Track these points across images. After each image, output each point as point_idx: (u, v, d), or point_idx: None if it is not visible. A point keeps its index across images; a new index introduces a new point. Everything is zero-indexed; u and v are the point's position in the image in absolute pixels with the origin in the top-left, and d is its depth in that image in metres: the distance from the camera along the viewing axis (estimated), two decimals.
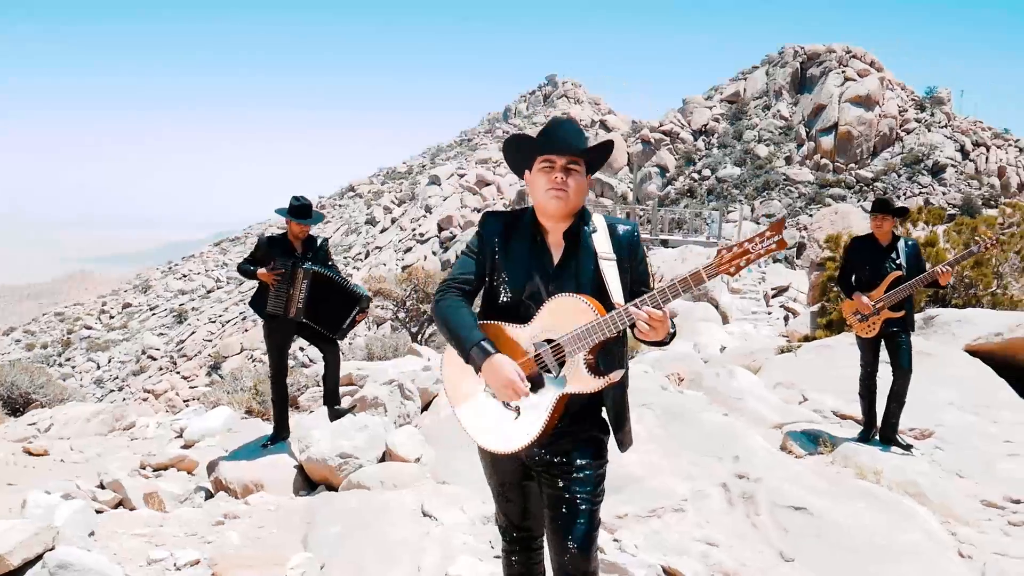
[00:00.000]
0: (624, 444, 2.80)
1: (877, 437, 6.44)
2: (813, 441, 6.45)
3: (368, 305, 6.80)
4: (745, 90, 61.93)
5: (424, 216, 63.92)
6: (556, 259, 2.69)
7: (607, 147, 2.74)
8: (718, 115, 60.97)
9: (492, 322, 2.68)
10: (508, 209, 2.87)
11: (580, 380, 2.56)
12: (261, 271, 6.38)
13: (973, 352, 8.78)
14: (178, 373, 52.26)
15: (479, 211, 64.12)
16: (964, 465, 6.25)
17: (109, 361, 56.11)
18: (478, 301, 2.84)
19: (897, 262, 6.20)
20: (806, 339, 13.20)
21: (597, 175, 57.74)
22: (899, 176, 50.29)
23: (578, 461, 2.66)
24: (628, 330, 2.59)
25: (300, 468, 5.90)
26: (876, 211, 6.23)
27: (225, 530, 4.73)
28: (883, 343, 6.33)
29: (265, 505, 5.27)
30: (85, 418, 10.25)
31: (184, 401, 45.34)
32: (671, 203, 52.05)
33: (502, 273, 2.73)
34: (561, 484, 2.65)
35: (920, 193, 48.25)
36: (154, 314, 64.26)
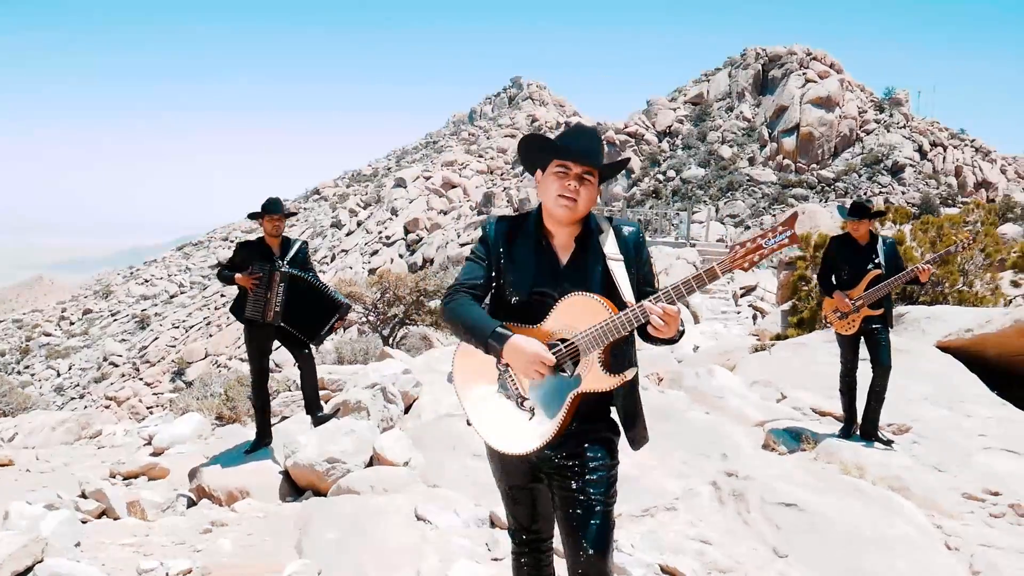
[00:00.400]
0: (637, 442, 2.80)
1: (858, 433, 6.53)
2: (795, 438, 6.52)
3: (348, 312, 6.76)
4: (708, 92, 62.53)
5: (390, 219, 63.66)
6: (563, 261, 2.69)
7: (622, 165, 2.76)
8: (682, 116, 61.48)
9: (507, 323, 2.67)
10: (512, 213, 2.86)
11: (595, 379, 2.56)
12: (239, 276, 6.32)
13: (944, 348, 8.95)
14: (141, 380, 51.49)
15: (445, 213, 64.02)
16: (942, 459, 6.35)
17: (69, 368, 55.09)
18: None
19: (876, 261, 6.30)
20: (778, 337, 13.36)
21: None
22: (860, 176, 51.09)
23: (591, 462, 2.65)
24: (635, 330, 2.60)
25: (285, 474, 5.84)
26: (855, 216, 6.31)
27: (214, 538, 4.66)
28: (863, 340, 6.43)
29: (253, 512, 5.21)
30: (51, 427, 10.05)
31: (148, 408, 44.71)
32: (636, 204, 52.44)
33: (509, 276, 2.73)
34: (574, 486, 2.64)
35: (880, 193, 49.08)
36: (116, 320, 63.20)
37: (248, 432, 8.08)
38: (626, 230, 2.76)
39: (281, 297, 6.29)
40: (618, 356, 2.65)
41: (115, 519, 5.18)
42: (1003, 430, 6.96)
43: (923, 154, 52.28)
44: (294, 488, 5.74)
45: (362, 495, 4.96)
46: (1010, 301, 12.75)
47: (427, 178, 67.43)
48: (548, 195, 2.64)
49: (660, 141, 60.07)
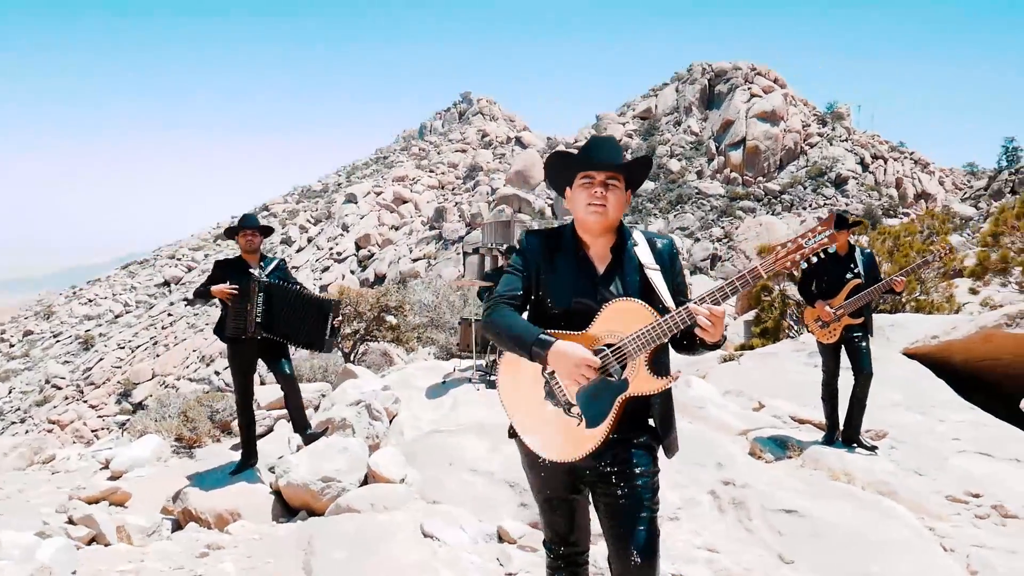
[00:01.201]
0: (671, 450, 2.83)
1: (840, 440, 6.66)
2: (781, 446, 6.63)
3: (337, 309, 6.60)
4: (656, 106, 63.50)
5: (341, 235, 63.19)
6: (600, 270, 2.74)
7: (644, 162, 2.80)
8: (631, 131, 62.32)
9: (550, 331, 2.69)
10: (547, 228, 2.89)
11: (643, 382, 2.59)
12: (216, 288, 6.15)
13: (911, 355, 9.18)
14: (85, 402, 50.10)
15: (397, 229, 63.75)
16: (920, 463, 6.51)
17: (10, 392, 53.37)
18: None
19: (855, 270, 6.45)
20: (742, 347, 13.56)
21: (515, 191, 58.20)
22: (805, 188, 52.29)
23: (635, 468, 2.68)
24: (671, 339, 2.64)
25: (276, 494, 5.74)
26: (835, 228, 6.47)
27: (214, 562, 4.56)
28: (844, 348, 6.57)
29: (248, 534, 5.11)
30: (2, 452, 9.73)
31: (93, 431, 43.49)
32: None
33: (548, 287, 2.76)
34: (619, 493, 2.65)
35: (825, 204, 50.29)
36: (58, 341, 61.46)
37: (227, 452, 7.94)
38: (659, 242, 2.82)
39: (261, 308, 6.18)
40: (660, 361, 2.70)
41: (106, 545, 5.03)
42: (975, 433, 7.16)
43: (865, 166, 53.75)
44: (286, 508, 5.64)
45: (363, 513, 4.89)
46: (959, 308, 13.18)
47: (378, 193, 67.15)
48: (578, 206, 2.72)
49: None
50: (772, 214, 48.94)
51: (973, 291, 12.40)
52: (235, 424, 10.18)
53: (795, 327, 13.56)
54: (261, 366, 6.66)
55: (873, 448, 6.53)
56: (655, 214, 52.83)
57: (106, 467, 7.82)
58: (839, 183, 52.09)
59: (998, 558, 4.62)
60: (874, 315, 11.56)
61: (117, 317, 63.55)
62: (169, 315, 60.49)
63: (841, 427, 6.69)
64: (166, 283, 67.06)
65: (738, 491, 5.08)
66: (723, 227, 49.56)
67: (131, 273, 73.96)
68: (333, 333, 6.41)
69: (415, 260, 57.85)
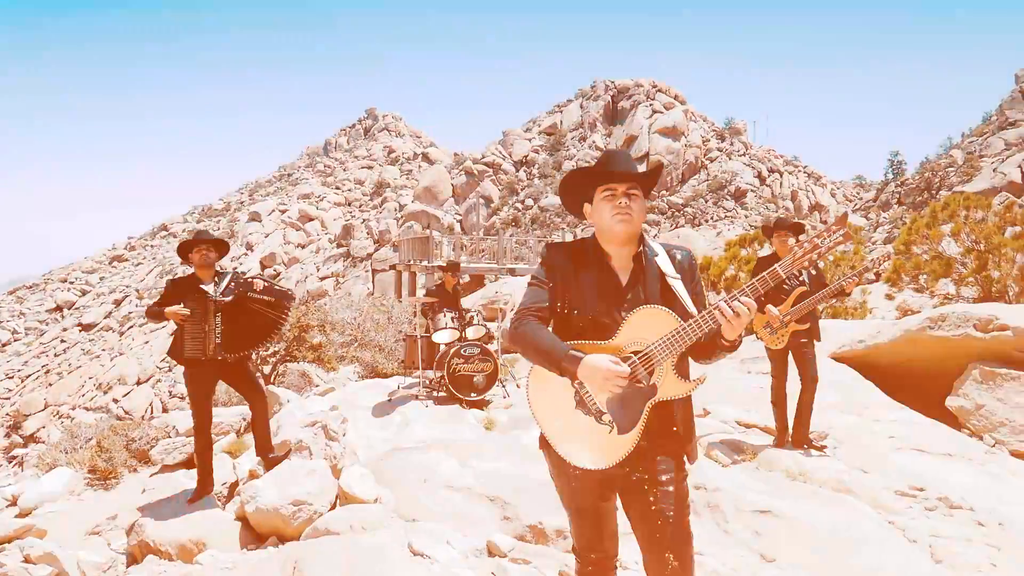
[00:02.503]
0: (691, 457, 2.91)
1: (790, 442, 6.91)
2: (734, 450, 6.83)
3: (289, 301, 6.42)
4: (561, 122, 64.42)
5: (245, 254, 61.68)
6: (624, 280, 2.82)
7: (657, 171, 2.91)
8: (537, 146, 63.01)
9: (576, 341, 2.74)
10: (569, 240, 2.96)
11: (671, 386, 2.68)
12: (169, 309, 5.90)
13: (838, 359, 9.60)
14: None
15: (303, 247, 62.61)
16: (863, 461, 6.80)
17: None
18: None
19: (801, 278, 6.72)
20: None
21: (423, 207, 58.06)
22: (706, 202, 53.92)
23: (664, 474, 2.75)
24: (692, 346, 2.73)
25: (242, 521, 5.57)
26: (779, 228, 6.76)
27: None
28: (791, 354, 6.84)
29: (219, 563, 4.94)
30: None
31: None
32: (496, 233, 53.16)
33: (573, 298, 2.82)
34: (651, 499, 2.72)
35: (725, 217, 51.99)
36: None
37: (148, 481, 7.64)
38: (678, 253, 2.92)
39: (219, 328, 5.99)
40: (685, 366, 2.79)
41: None
42: (908, 431, 7.53)
43: (762, 180, 55.80)
44: (254, 536, 5.48)
45: (343, 535, 4.81)
46: (870, 310, 13.89)
47: (283, 211, 65.86)
48: (603, 218, 2.79)
49: (517, 171, 61.27)
50: (676, 227, 50.24)
51: (889, 296, 13.08)
52: (154, 452, 9.77)
53: None
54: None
55: (823, 448, 6.80)
56: (563, 228, 53.46)
57: (13, 504, 7.39)
58: (738, 196, 53.92)
59: (956, 546, 4.89)
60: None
61: (4, 345, 60.17)
62: (62, 341, 57.67)
63: (791, 430, 6.93)
64: (58, 308, 63.94)
65: (710, 495, 5.23)
66: None
67: (19, 298, 70.08)
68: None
69: (323, 278, 56.92)
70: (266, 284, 6.25)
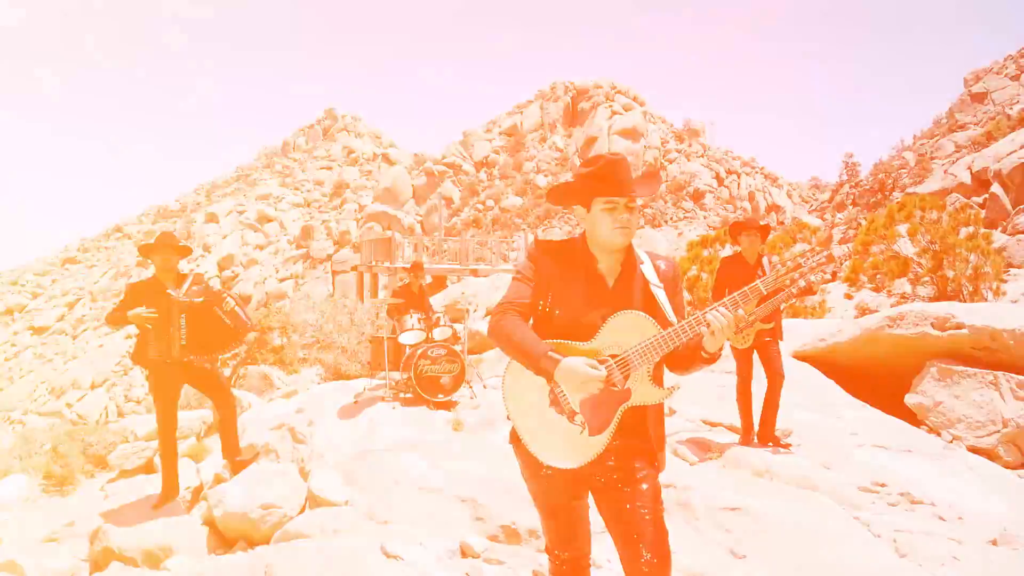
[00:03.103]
0: (660, 466, 2.94)
1: (756, 440, 7.00)
2: (702, 448, 6.89)
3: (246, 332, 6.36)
4: (522, 123, 64.61)
5: (203, 255, 60.82)
6: (610, 283, 2.83)
7: (656, 184, 2.95)
8: (498, 147, 63.12)
9: (555, 340, 2.75)
10: (558, 239, 2.97)
11: (645, 392, 2.71)
12: (133, 313, 5.81)
13: (800, 357, 9.75)
14: None
15: (262, 248, 61.94)
16: (827, 458, 6.92)
17: None
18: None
19: (764, 278, 6.81)
20: None
21: (384, 208, 57.77)
22: (666, 203, 54.46)
23: (638, 473, 2.78)
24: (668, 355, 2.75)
25: (209, 525, 5.50)
26: (748, 228, 6.86)
27: None
28: (756, 353, 6.93)
29: (187, 570, 4.86)
30: None
31: None
32: (458, 233, 53.09)
33: (557, 297, 2.83)
34: (624, 496, 2.74)
35: (684, 217, 52.54)
36: None
37: (108, 487, 7.52)
38: (662, 263, 2.95)
39: (184, 330, 5.91)
40: (660, 374, 2.81)
41: None
42: (869, 428, 7.67)
43: (720, 181, 56.52)
44: (222, 540, 5.41)
45: (314, 539, 4.76)
46: (829, 309, 14.14)
47: (241, 212, 65.07)
48: (601, 228, 2.79)
49: (478, 172, 61.32)
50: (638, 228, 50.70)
51: (848, 296, 13.33)
52: (112, 457, 9.61)
53: None
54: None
55: (788, 446, 6.90)
56: (524, 228, 53.60)
57: None
58: (697, 197, 54.60)
59: (919, 540, 4.98)
60: None
61: None
62: (13, 346, 56.38)
63: (756, 428, 7.03)
64: (8, 311, 62.46)
65: (680, 493, 5.27)
66: None
67: None
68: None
69: (282, 280, 56.40)
70: (234, 307, 6.15)
